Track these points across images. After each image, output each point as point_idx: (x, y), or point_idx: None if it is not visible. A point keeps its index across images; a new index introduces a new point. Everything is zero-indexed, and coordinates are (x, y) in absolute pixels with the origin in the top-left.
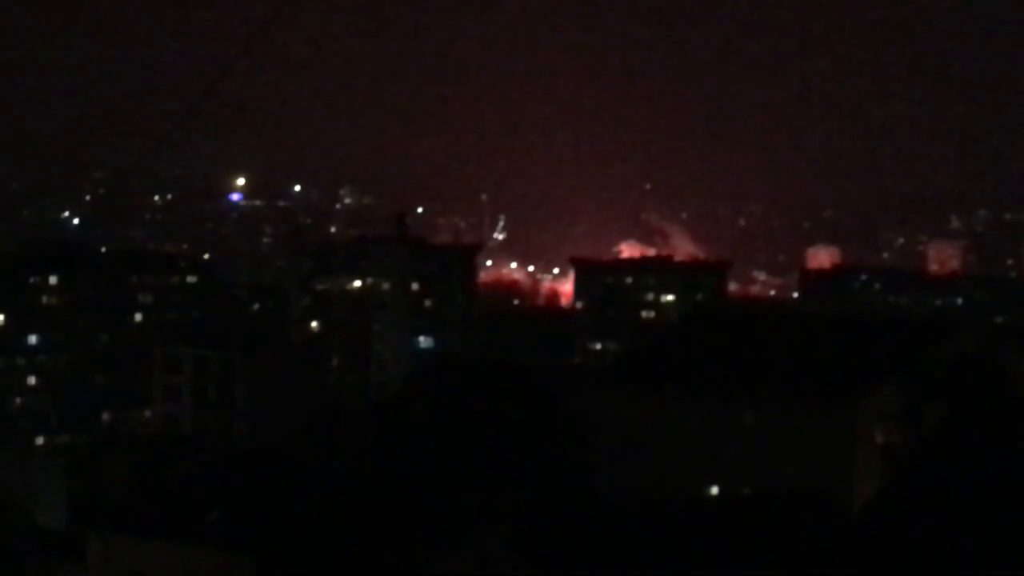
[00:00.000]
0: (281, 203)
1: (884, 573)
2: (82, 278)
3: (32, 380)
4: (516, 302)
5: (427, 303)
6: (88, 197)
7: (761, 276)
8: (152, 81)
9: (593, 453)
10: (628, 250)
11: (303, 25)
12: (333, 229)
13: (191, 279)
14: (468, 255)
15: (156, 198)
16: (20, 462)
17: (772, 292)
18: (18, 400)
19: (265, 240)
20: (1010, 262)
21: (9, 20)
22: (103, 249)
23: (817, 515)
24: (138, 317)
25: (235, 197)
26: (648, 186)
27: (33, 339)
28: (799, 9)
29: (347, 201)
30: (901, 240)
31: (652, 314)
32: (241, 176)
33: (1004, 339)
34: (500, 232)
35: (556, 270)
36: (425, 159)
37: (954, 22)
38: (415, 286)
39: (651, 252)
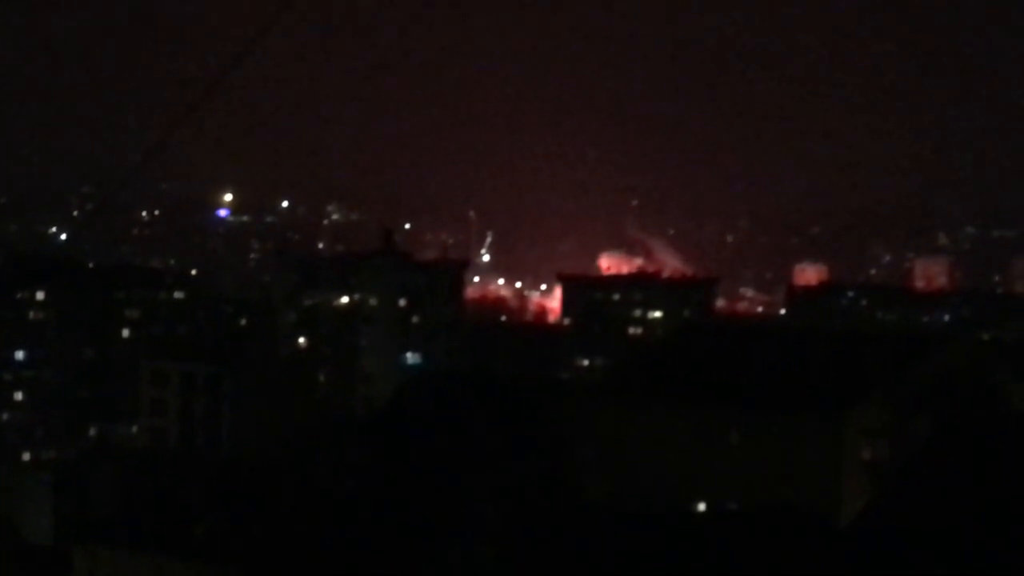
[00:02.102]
0: (269, 218)
1: None
2: (69, 293)
3: (19, 395)
4: (503, 318)
5: (414, 319)
6: (76, 212)
7: (748, 292)
8: (140, 96)
9: (580, 467)
10: (609, 261)
11: (291, 41)
12: (320, 245)
13: (178, 294)
14: (455, 271)
15: (144, 213)
16: (7, 477)
17: (759, 308)
18: (5, 415)
19: (252, 255)
20: (996, 279)
21: None
22: (91, 264)
23: (803, 531)
24: (125, 332)
25: (223, 212)
26: (635, 203)
27: (20, 354)
28: (787, 26)
29: (335, 217)
30: (888, 257)
31: (640, 330)
32: (229, 191)
33: (990, 355)
34: (487, 249)
35: (544, 286)
36: (413, 175)
37: (942, 39)
38: (402, 302)
39: (635, 261)
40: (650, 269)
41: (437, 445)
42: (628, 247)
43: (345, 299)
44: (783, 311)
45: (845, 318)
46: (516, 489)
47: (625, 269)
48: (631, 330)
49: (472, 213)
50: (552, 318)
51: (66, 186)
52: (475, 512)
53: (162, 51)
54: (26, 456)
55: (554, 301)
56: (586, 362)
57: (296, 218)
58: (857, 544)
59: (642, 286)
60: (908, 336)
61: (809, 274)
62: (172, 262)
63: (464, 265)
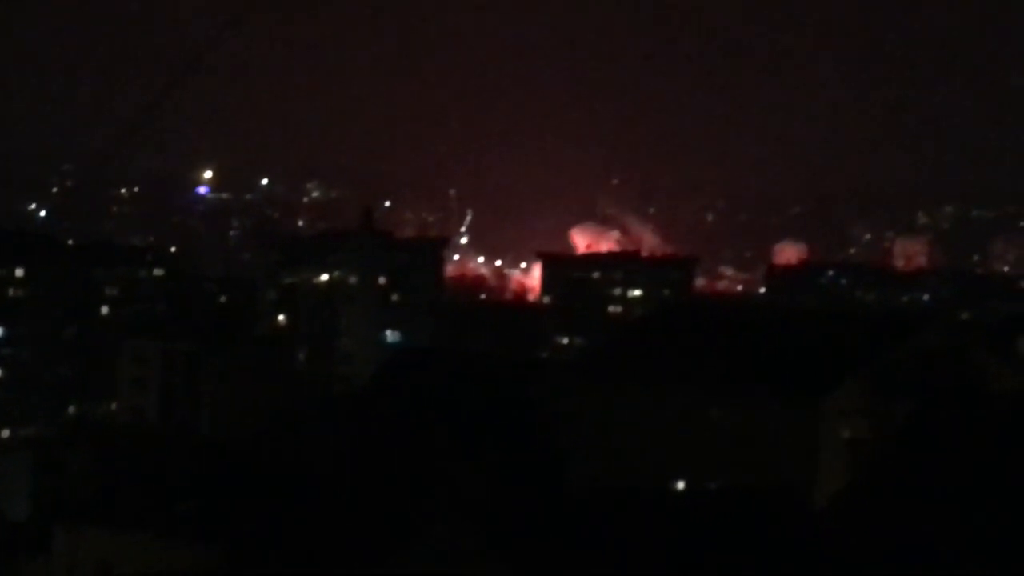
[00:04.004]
0: (248, 196)
1: (848, 569)
2: (48, 270)
3: None
4: (483, 296)
5: (394, 297)
6: (55, 189)
7: (728, 271)
8: (120, 74)
9: (561, 447)
10: (585, 238)
11: (271, 19)
12: (300, 222)
13: (158, 272)
14: (435, 249)
15: (123, 191)
16: None
17: (739, 287)
18: None
19: (232, 233)
20: (976, 258)
21: None
22: (70, 241)
23: (782, 510)
24: (105, 310)
25: (202, 190)
26: (615, 181)
27: None
28: (765, 6)
29: (314, 195)
30: (868, 236)
31: (619, 309)
32: (208, 169)
33: (970, 335)
34: (467, 227)
35: (523, 264)
36: (393, 154)
37: (921, 18)
38: (382, 280)
39: (610, 235)
40: (627, 245)
41: (418, 424)
42: (602, 221)
43: (325, 277)
44: (763, 290)
45: (825, 297)
46: (497, 467)
47: (602, 244)
48: (611, 309)
49: (452, 191)
50: (532, 296)
51: (46, 163)
52: (457, 491)
53: (142, 29)
54: (5, 434)
55: (534, 279)
56: (566, 340)
57: (276, 196)
58: (835, 523)
59: (622, 265)
60: (888, 315)
61: (789, 253)
62: (151, 240)
63: (444, 243)
